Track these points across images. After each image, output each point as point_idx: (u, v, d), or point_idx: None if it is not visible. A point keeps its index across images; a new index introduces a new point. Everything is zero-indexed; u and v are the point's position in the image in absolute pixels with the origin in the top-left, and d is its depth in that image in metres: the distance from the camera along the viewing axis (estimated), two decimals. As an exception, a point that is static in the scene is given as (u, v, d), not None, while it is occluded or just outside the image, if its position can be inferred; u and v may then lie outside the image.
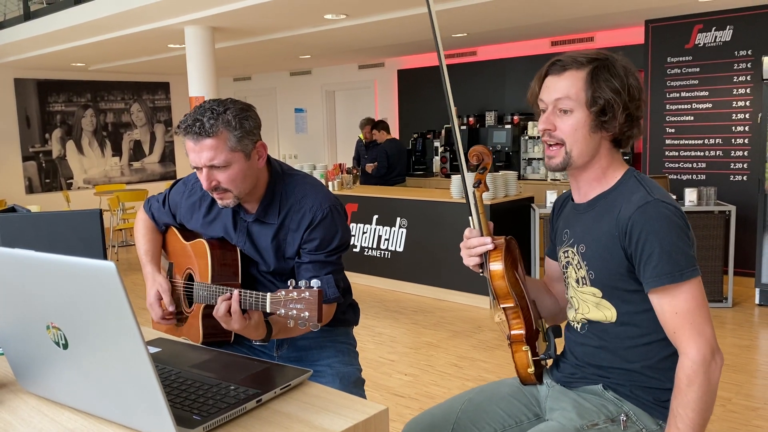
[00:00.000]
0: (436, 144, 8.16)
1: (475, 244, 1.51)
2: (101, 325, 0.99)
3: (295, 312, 1.45)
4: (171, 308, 1.86)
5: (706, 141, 5.70)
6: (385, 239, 5.78)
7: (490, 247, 1.49)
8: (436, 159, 8.09)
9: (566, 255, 1.56)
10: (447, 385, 3.63)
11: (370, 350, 4.24)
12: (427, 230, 5.43)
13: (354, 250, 6.02)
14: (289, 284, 1.48)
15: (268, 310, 1.51)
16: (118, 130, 9.91)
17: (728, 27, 5.49)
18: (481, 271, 1.52)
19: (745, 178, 5.52)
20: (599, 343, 1.50)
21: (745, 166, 5.52)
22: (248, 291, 1.56)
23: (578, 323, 1.55)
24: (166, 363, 1.36)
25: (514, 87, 7.65)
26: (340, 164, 6.80)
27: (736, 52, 5.47)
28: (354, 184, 6.58)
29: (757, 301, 4.92)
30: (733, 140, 5.57)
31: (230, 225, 1.86)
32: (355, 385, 1.88)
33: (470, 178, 1.51)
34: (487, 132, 7.53)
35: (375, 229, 5.86)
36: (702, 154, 5.74)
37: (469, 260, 1.53)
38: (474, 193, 1.53)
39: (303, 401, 1.24)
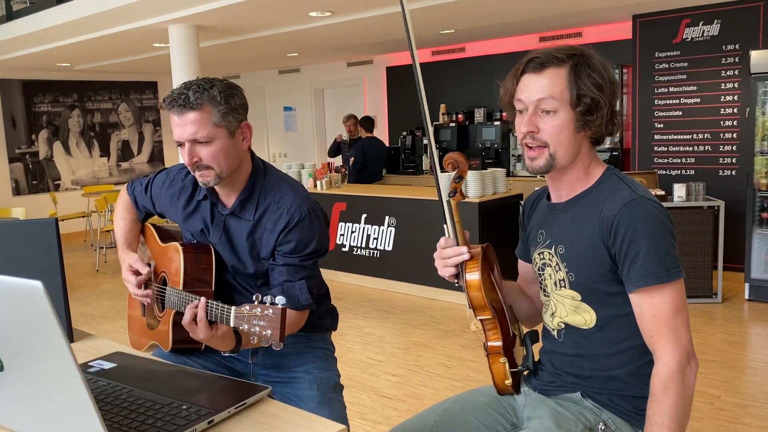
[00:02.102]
0: (426, 141, 8.12)
1: (450, 254, 1.47)
2: (33, 347, 0.95)
3: (257, 329, 1.41)
4: (145, 271, 1.81)
5: (695, 136, 5.68)
6: (374, 238, 5.74)
7: (467, 257, 1.45)
8: (426, 157, 8.05)
9: (542, 257, 1.52)
10: (435, 386, 3.59)
11: (358, 351, 4.20)
12: (416, 229, 5.39)
13: (343, 249, 5.98)
14: (254, 299, 1.44)
15: (231, 324, 1.47)
16: (106, 131, 9.82)
17: (716, 21, 5.46)
18: (456, 281, 1.48)
19: (734, 173, 5.50)
20: (577, 351, 1.46)
21: (733, 160, 5.50)
22: (215, 302, 1.52)
23: (555, 330, 1.51)
24: (119, 380, 1.32)
25: (503, 83, 7.60)
26: (329, 163, 6.76)
27: (723, 47, 5.45)
28: (342, 183, 6.54)
29: (746, 296, 4.91)
30: (721, 135, 5.55)
31: (208, 218, 1.83)
32: (333, 390, 1.84)
33: (445, 185, 1.46)
34: (476, 129, 7.49)
35: (364, 228, 5.82)
36: (691, 149, 5.72)
37: (444, 271, 1.48)
38: (449, 202, 1.48)
39: (258, 421, 1.19)
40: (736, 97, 5.43)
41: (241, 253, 1.81)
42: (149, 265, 1.88)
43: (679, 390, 1.29)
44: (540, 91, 1.38)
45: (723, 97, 5.49)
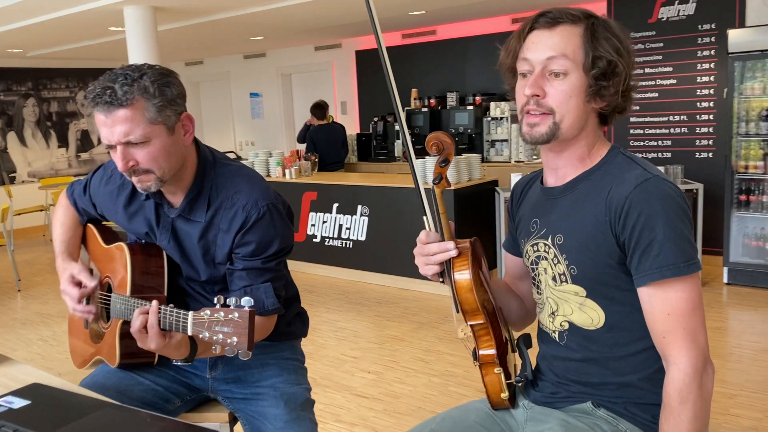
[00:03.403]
0: (398, 127, 7.91)
1: (434, 250, 1.27)
2: None
3: (221, 336, 1.21)
4: (92, 284, 1.58)
5: (671, 118, 5.58)
6: (346, 228, 5.54)
7: (454, 253, 1.26)
8: (398, 143, 7.85)
9: (536, 249, 1.34)
10: (412, 383, 3.43)
11: (331, 347, 4.01)
12: (390, 218, 5.21)
13: (314, 240, 5.78)
14: (216, 301, 1.23)
15: (189, 333, 1.27)
16: (64, 120, 9.40)
17: (691, 0, 5.35)
18: (441, 280, 1.29)
19: (711, 155, 5.42)
20: (584, 355, 1.28)
21: (710, 142, 5.42)
22: (169, 307, 1.32)
23: (555, 331, 1.33)
24: (28, 425, 1.08)
25: (475, 67, 7.43)
26: (298, 150, 6.52)
27: (699, 26, 5.34)
28: (313, 171, 6.32)
29: (725, 280, 4.84)
30: (698, 116, 5.46)
31: (153, 220, 1.61)
32: (302, 408, 1.65)
33: (420, 170, 1.27)
34: (449, 114, 7.31)
35: (335, 217, 5.61)
36: (667, 131, 5.62)
37: (427, 269, 1.29)
38: (433, 190, 1.28)
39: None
40: (712, 78, 5.34)
41: (193, 258, 1.60)
42: (92, 272, 1.66)
43: (697, 400, 1.13)
44: (550, 49, 1.20)
45: (699, 78, 5.40)
